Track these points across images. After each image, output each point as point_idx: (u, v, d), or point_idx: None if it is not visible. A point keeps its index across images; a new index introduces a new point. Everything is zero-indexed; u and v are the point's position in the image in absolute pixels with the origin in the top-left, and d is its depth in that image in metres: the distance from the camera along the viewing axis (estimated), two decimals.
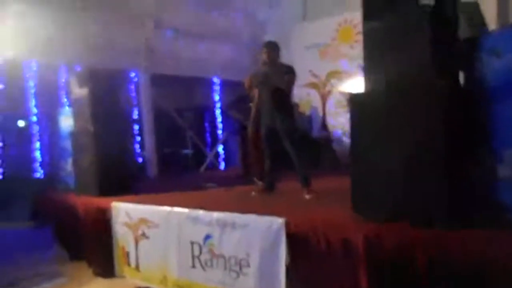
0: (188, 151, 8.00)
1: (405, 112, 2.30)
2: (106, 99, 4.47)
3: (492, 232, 2.01)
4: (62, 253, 4.63)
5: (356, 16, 3.13)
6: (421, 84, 2.27)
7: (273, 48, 4.01)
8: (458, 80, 2.32)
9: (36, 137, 6.88)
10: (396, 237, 2.21)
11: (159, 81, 6.97)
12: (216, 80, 8.08)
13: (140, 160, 6.91)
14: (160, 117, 7.31)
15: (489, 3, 5.02)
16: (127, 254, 3.68)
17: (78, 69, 5.81)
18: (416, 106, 2.28)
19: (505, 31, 1.76)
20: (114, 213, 3.85)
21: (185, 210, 3.26)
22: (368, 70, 2.65)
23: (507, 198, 2.10)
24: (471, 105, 2.21)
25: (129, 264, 3.68)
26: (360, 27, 2.73)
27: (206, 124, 8.38)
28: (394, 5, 2.43)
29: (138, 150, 6.88)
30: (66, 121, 5.12)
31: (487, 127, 2.14)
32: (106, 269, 3.91)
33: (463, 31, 2.52)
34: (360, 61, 2.81)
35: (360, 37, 2.78)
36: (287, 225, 2.64)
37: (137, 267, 3.58)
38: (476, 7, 3.03)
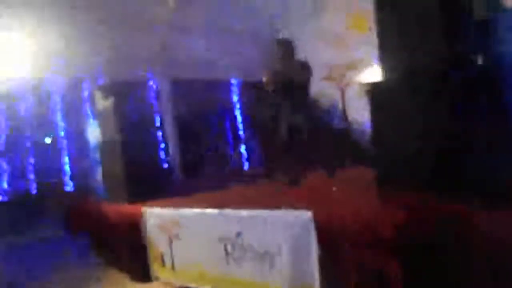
0: (210, 153, 8.12)
1: (423, 99, 2.32)
2: (130, 109, 4.62)
3: None
4: (97, 261, 4.80)
5: (368, 6, 3.14)
6: (436, 72, 2.28)
7: (287, 45, 4.07)
8: (474, 63, 2.32)
9: (65, 150, 7.10)
10: (425, 220, 2.21)
11: (178, 87, 7.10)
12: (233, 81, 8.19)
13: (165, 165, 7.05)
14: (181, 122, 7.45)
15: None
16: (162, 256, 3.79)
17: (101, 82, 5.99)
18: (432, 93, 2.29)
19: None
20: (146, 217, 3.97)
21: (215, 210, 3.34)
22: (383, 59, 2.68)
23: None
24: (490, 86, 2.20)
25: (164, 265, 3.79)
26: (372, 16, 2.76)
27: (227, 126, 8.49)
28: None
29: (163, 156, 7.03)
30: (93, 133, 5.29)
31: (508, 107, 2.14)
32: (141, 273, 4.03)
33: (479, 11, 2.50)
34: (375, 51, 2.83)
35: (373, 26, 2.80)
36: (315, 218, 2.68)
37: (172, 267, 3.69)
38: None
